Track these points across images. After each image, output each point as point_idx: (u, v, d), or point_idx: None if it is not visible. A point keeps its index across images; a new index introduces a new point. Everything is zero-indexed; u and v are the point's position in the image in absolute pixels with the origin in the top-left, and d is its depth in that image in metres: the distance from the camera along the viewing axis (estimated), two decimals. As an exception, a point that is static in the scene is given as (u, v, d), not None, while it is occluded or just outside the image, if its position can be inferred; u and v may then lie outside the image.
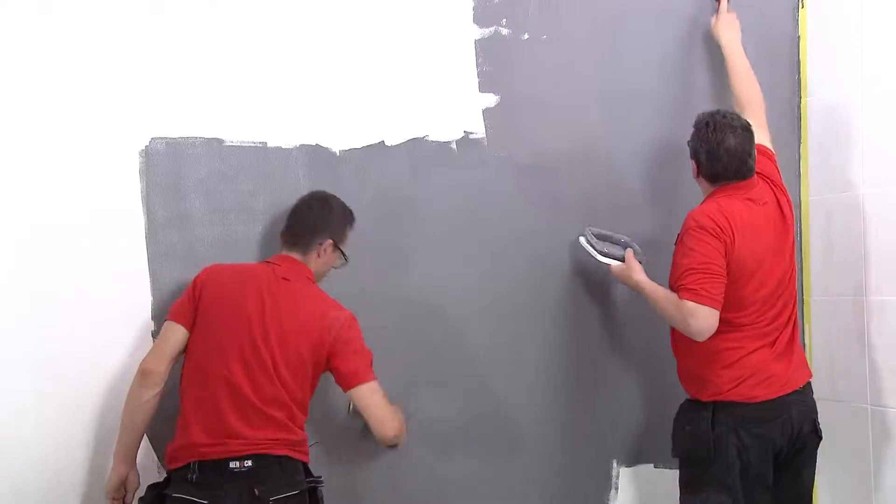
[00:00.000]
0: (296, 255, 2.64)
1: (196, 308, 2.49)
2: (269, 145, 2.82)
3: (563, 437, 3.09)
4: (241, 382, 2.41)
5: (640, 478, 3.18)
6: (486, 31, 3.05)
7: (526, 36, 3.09)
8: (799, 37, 3.37)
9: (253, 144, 2.81)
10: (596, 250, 2.98)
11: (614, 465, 3.15)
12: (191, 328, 2.48)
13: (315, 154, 2.86)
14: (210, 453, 2.36)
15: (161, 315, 2.60)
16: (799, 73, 3.37)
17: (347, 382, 2.57)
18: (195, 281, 2.54)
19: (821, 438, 2.84)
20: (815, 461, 2.87)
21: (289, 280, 2.56)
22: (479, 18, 3.04)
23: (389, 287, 2.92)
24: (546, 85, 3.10)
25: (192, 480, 2.34)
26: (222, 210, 2.77)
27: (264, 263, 2.63)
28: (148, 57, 2.70)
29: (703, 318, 2.63)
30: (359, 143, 2.91)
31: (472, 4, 3.03)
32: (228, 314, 2.47)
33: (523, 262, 3.06)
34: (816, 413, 2.83)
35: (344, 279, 2.86)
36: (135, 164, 2.67)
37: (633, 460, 3.17)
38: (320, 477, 2.53)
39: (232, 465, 2.35)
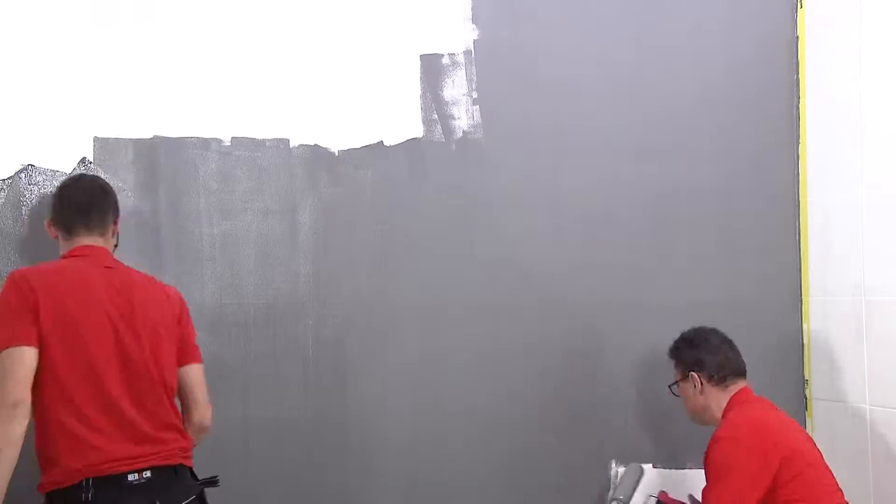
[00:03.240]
0: (98, 241, 2.36)
1: (37, 322, 2.17)
2: (268, 145, 2.83)
3: (562, 436, 3.09)
4: (127, 408, 2.23)
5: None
6: (485, 32, 3.05)
7: (522, 40, 3.09)
8: (798, 37, 3.37)
9: (252, 144, 2.81)
10: None
11: (612, 465, 3.15)
12: (40, 346, 2.18)
13: (314, 154, 2.87)
14: (108, 469, 2.18)
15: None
16: (798, 72, 3.37)
17: (188, 356, 2.41)
18: (22, 294, 2.19)
19: None
20: None
21: (113, 268, 2.34)
22: (477, 19, 3.05)
23: (387, 287, 2.92)
24: (545, 85, 3.11)
25: (88, 499, 2.14)
26: (222, 209, 2.78)
27: (76, 259, 2.32)
28: (149, 57, 2.71)
29: None
30: (357, 143, 2.91)
31: (470, 4, 3.03)
32: (86, 324, 2.22)
33: (523, 262, 3.06)
34: None
35: (342, 279, 2.87)
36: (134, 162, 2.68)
37: (630, 459, 3.18)
38: (216, 476, 2.39)
39: (131, 477, 2.19)
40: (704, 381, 2.79)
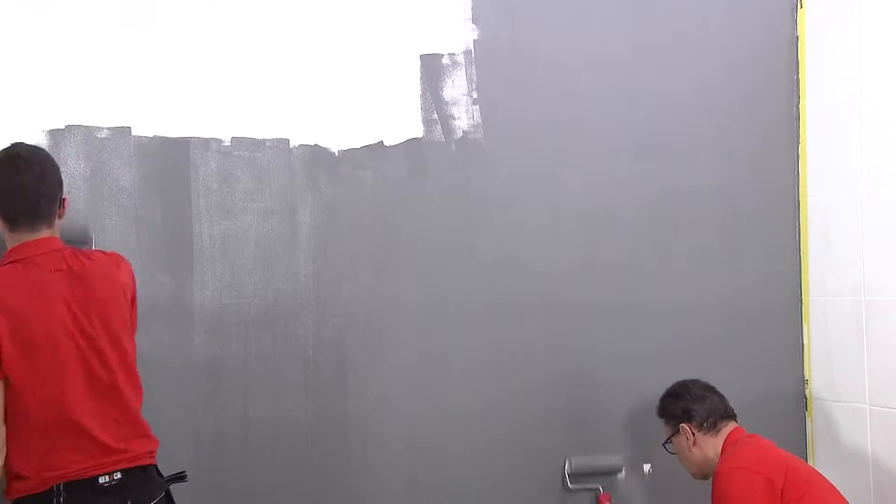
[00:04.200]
0: (45, 233, 2.25)
1: (1, 353, 2.14)
2: (268, 145, 2.83)
3: (561, 436, 3.09)
4: (95, 430, 2.21)
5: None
6: (485, 32, 3.06)
7: (522, 40, 3.09)
8: (797, 37, 3.37)
9: (252, 144, 2.82)
10: None
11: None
12: (4, 377, 2.15)
13: (314, 154, 2.87)
14: (77, 473, 2.18)
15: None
16: (797, 73, 3.37)
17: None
18: None
19: None
20: None
21: (66, 270, 2.23)
22: (477, 19, 3.05)
23: (387, 287, 2.92)
24: (544, 85, 3.11)
25: (60, 503, 2.16)
26: (222, 209, 2.78)
27: (29, 266, 2.21)
28: (149, 57, 2.71)
29: None
30: (357, 143, 2.91)
31: (470, 4, 3.03)
32: (48, 348, 2.17)
33: (523, 262, 3.06)
34: None
35: (342, 279, 2.87)
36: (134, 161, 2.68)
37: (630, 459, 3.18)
38: (183, 472, 2.38)
39: (102, 480, 2.20)
40: (696, 431, 2.77)
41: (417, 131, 2.98)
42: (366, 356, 2.90)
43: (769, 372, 3.22)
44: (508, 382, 3.03)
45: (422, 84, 2.99)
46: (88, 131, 2.67)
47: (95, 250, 2.42)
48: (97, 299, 2.23)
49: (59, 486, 2.16)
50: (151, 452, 2.31)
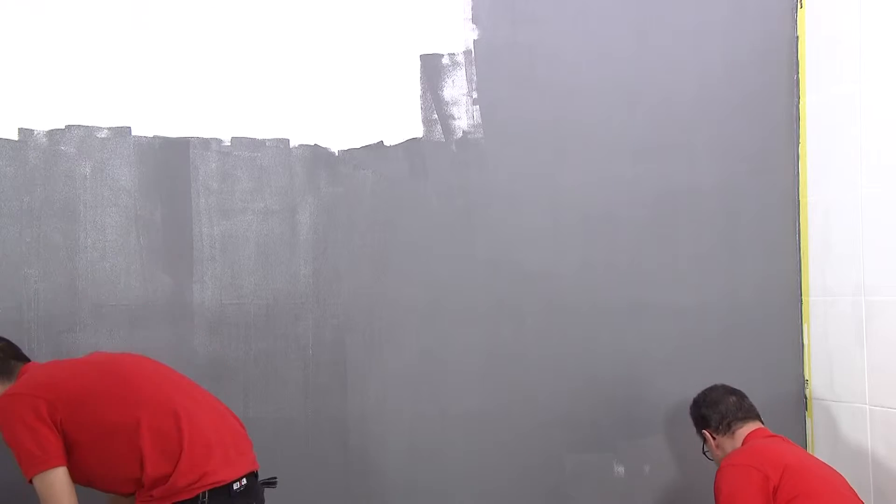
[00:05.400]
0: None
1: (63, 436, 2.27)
2: (268, 145, 2.83)
3: (561, 435, 3.09)
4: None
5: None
6: (485, 32, 3.06)
7: (522, 40, 3.09)
8: (797, 36, 3.37)
9: (252, 144, 2.82)
10: None
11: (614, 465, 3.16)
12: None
13: (314, 154, 2.87)
14: (221, 480, 2.32)
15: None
16: (797, 72, 3.37)
17: None
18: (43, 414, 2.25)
19: None
20: None
21: None
22: (477, 19, 3.05)
23: (387, 287, 2.92)
24: (544, 85, 3.11)
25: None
26: (222, 209, 2.78)
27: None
28: (149, 57, 2.71)
29: None
30: (357, 143, 2.91)
31: (470, 4, 3.04)
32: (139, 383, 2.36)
33: (523, 262, 3.06)
34: None
35: (342, 279, 2.87)
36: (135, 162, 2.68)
37: (631, 459, 3.18)
38: (274, 477, 2.49)
39: (235, 486, 2.34)
40: (715, 435, 2.82)
41: (417, 131, 2.98)
42: (366, 356, 2.90)
43: (769, 372, 3.22)
44: (508, 382, 3.03)
45: (422, 84, 2.99)
46: (88, 131, 2.68)
47: None
48: None
49: (203, 493, 2.29)
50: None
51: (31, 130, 2.63)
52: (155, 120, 2.72)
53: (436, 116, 3.00)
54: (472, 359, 3.01)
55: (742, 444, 2.75)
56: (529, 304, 3.06)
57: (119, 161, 2.70)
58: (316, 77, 2.88)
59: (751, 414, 2.82)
